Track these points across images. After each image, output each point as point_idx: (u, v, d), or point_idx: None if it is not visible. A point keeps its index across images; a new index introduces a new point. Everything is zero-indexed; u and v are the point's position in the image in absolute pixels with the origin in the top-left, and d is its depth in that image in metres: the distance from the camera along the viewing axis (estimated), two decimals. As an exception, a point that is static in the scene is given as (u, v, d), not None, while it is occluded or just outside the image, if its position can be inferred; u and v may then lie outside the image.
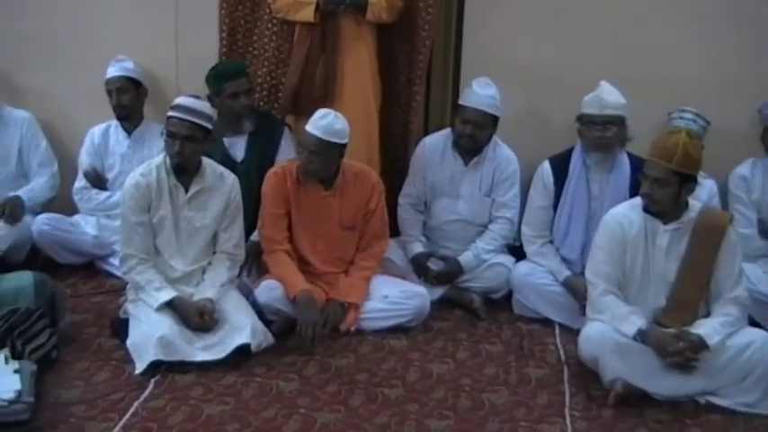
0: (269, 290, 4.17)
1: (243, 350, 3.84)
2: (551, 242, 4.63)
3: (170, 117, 3.97)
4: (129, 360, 3.78)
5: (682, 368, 3.65)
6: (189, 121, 3.94)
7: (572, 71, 4.93)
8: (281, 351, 3.98)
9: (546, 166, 4.63)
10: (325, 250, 4.39)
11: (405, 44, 4.96)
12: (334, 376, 3.81)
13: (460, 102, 4.68)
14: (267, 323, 4.07)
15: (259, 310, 4.12)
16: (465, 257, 4.67)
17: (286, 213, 4.30)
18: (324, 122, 4.11)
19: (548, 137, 4.91)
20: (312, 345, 4.01)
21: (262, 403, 3.53)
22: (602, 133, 4.42)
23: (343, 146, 4.19)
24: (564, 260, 4.56)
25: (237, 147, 4.68)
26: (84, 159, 5.04)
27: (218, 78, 4.59)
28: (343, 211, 4.35)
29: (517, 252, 4.80)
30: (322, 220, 4.34)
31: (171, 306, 3.91)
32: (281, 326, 4.15)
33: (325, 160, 4.18)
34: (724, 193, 4.85)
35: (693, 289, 3.81)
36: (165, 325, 3.80)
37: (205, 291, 4.01)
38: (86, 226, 4.90)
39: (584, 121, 4.48)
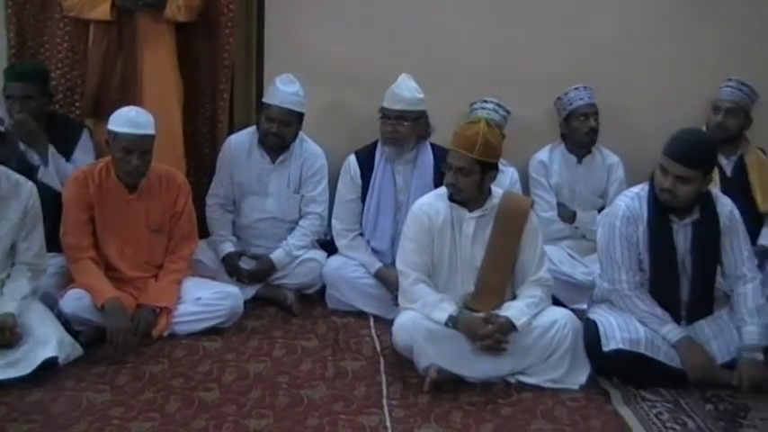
0: (75, 299, 4.02)
1: (50, 364, 3.68)
2: (362, 235, 4.68)
3: None
4: None
5: (492, 350, 3.76)
6: None
7: (374, 64, 5.01)
8: (91, 361, 3.84)
9: (352, 159, 4.68)
10: (134, 255, 4.27)
11: (206, 42, 4.93)
12: (148, 383, 3.71)
13: (265, 100, 4.67)
14: (75, 334, 3.93)
15: (65, 321, 3.97)
16: (276, 255, 4.67)
17: (90, 219, 4.17)
18: (130, 117, 4.04)
19: (354, 130, 4.98)
20: (123, 352, 3.90)
21: (72, 418, 3.38)
22: (394, 127, 4.51)
23: (154, 137, 4.11)
24: (375, 252, 4.62)
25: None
26: None
27: (4, 78, 4.43)
28: (150, 214, 4.26)
29: (328, 246, 4.83)
30: (128, 225, 4.23)
31: (-32, 324, 3.71)
32: (90, 335, 4.01)
33: (147, 156, 4.09)
34: (526, 179, 5.03)
35: (499, 273, 3.93)
36: (-38, 345, 3.60)
37: (5, 305, 3.80)
38: None
39: (382, 114, 4.55)
